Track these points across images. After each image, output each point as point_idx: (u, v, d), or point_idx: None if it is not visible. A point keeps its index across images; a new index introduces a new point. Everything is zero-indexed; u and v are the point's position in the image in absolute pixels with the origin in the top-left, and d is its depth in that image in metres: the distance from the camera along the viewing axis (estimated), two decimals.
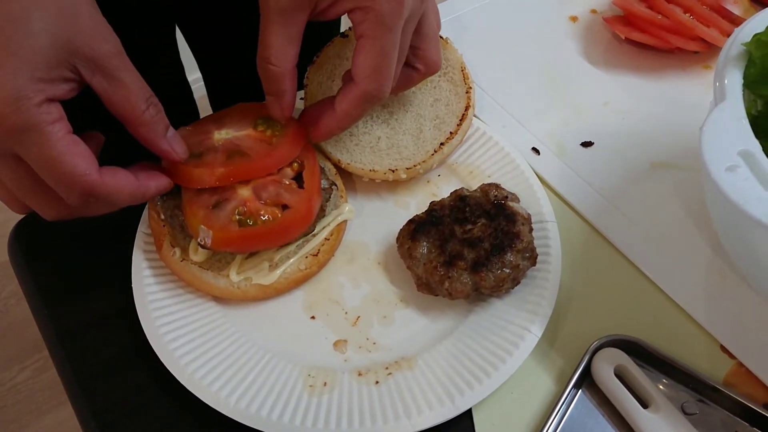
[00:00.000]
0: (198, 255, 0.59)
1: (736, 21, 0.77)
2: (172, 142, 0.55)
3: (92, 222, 0.67)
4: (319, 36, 0.74)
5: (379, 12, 0.52)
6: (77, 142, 0.47)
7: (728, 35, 0.77)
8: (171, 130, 0.55)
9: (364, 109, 0.58)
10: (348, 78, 0.57)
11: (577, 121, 0.75)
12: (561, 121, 0.75)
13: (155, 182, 0.55)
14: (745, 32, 0.55)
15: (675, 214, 0.67)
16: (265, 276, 0.59)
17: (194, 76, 1.02)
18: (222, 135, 0.61)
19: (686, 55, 0.80)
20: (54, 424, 1.65)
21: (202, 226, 0.55)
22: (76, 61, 0.46)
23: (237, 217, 0.56)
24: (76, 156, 0.46)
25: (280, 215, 0.57)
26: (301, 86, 0.72)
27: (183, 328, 0.58)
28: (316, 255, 0.61)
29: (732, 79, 0.53)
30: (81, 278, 0.65)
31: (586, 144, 0.73)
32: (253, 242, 0.57)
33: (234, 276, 0.58)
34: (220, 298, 0.60)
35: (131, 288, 0.61)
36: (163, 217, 0.60)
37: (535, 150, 0.72)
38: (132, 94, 0.49)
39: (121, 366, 0.60)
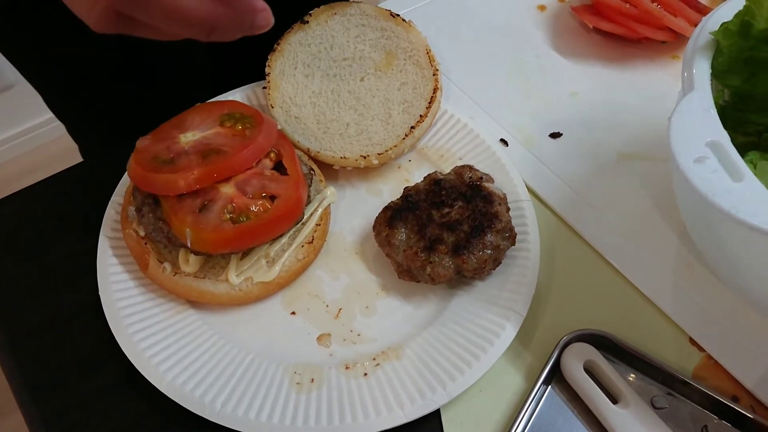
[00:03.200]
0: (190, 266, 0.57)
1: (703, 11, 0.78)
2: None
3: (44, 217, 0.65)
4: (278, 23, 0.72)
5: None
6: None
7: (695, 25, 0.77)
8: None
9: None
10: None
11: (546, 111, 0.75)
12: (529, 112, 0.75)
13: None
14: (713, 21, 0.55)
15: (643, 205, 0.67)
16: (265, 273, 0.57)
17: None
18: (189, 137, 0.59)
19: (654, 45, 0.80)
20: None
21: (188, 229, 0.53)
22: None
23: (227, 215, 0.54)
24: None
25: (270, 206, 0.55)
26: (263, 75, 0.70)
27: (159, 333, 0.56)
28: (311, 242, 0.60)
29: (700, 68, 0.53)
30: (33, 278, 0.62)
31: (555, 135, 0.73)
32: (250, 238, 0.55)
33: (234, 278, 0.56)
34: (200, 303, 0.58)
35: (92, 288, 0.59)
36: (143, 234, 0.58)
37: (504, 141, 0.71)
38: None
39: (78, 371, 0.57)
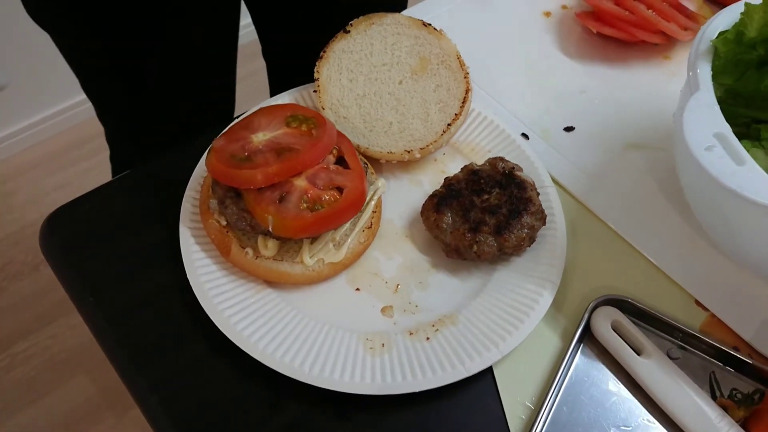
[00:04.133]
0: (269, 250, 0.64)
1: (691, 16, 0.89)
2: None
3: (121, 212, 0.72)
4: (323, 32, 0.80)
5: None
6: None
7: (685, 29, 0.89)
8: None
9: None
10: None
11: (559, 108, 0.85)
12: (543, 108, 0.85)
13: None
14: (711, 29, 0.65)
15: (649, 188, 0.77)
16: (334, 254, 0.65)
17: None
18: (260, 137, 0.66)
19: (649, 47, 0.91)
20: (27, 421, 1.64)
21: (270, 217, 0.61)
22: None
23: (304, 205, 0.62)
24: None
25: (339, 196, 0.64)
26: (312, 79, 0.78)
27: (245, 309, 0.64)
28: (370, 227, 0.68)
29: (703, 70, 0.63)
30: (121, 265, 0.69)
31: (568, 129, 0.83)
32: (325, 223, 0.63)
33: (308, 260, 0.64)
34: (277, 283, 0.66)
35: (178, 268, 0.66)
36: (225, 223, 0.65)
37: (525, 135, 0.81)
38: None
39: (175, 342, 0.64)
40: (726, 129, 0.59)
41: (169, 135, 0.79)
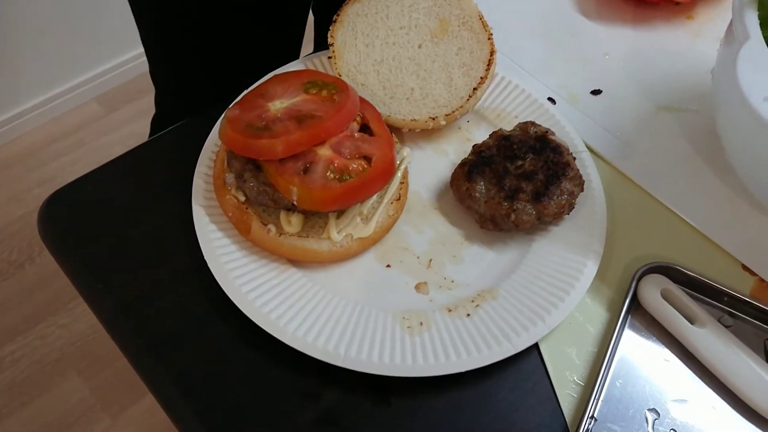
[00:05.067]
0: (293, 226, 0.59)
1: None
2: None
3: (126, 192, 0.67)
4: None
5: None
6: None
7: None
8: None
9: None
10: None
11: (584, 71, 0.81)
12: (569, 72, 0.80)
13: None
14: None
15: (684, 151, 0.73)
16: (363, 229, 0.61)
17: None
18: (278, 105, 0.61)
19: (670, 7, 0.88)
20: (18, 425, 1.58)
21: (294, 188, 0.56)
22: None
23: (331, 175, 0.57)
24: None
25: (367, 166, 0.59)
26: (326, 45, 0.73)
27: (270, 291, 0.59)
28: (399, 199, 0.64)
29: (751, 19, 0.59)
30: (132, 246, 0.64)
31: (596, 92, 0.78)
32: (355, 194, 0.58)
33: (335, 235, 0.59)
34: (302, 262, 0.61)
35: (194, 250, 0.61)
36: (244, 199, 0.60)
37: (551, 100, 0.77)
38: None
39: (195, 329, 0.59)
40: None
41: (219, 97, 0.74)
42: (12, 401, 1.61)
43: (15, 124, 2.07)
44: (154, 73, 1.04)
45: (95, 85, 2.20)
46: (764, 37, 0.68)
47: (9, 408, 1.60)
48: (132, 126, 2.16)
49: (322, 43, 0.76)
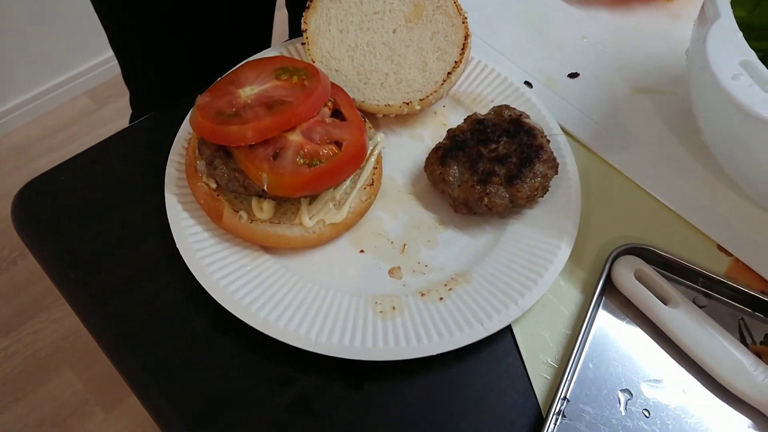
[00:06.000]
0: (265, 212, 0.59)
1: None
2: None
3: (99, 183, 0.67)
4: None
5: None
6: None
7: None
8: None
9: None
10: None
11: (561, 55, 0.80)
12: (546, 56, 0.80)
13: None
14: None
15: (661, 133, 0.73)
16: (335, 214, 0.60)
17: None
18: (248, 92, 0.61)
19: None
20: (13, 419, 1.58)
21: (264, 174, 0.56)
22: None
23: (301, 160, 0.57)
24: None
25: (337, 151, 0.59)
26: (299, 32, 0.72)
27: (242, 278, 0.59)
28: (372, 184, 0.63)
29: None
30: (105, 235, 0.64)
31: (573, 75, 0.78)
32: (325, 180, 0.58)
33: (307, 221, 0.59)
34: (275, 249, 0.61)
35: (167, 238, 0.61)
36: (215, 186, 0.60)
37: (528, 83, 0.76)
38: None
39: (168, 318, 0.59)
40: (752, 56, 0.55)
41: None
42: (6, 396, 1.61)
43: (5, 120, 2.07)
44: (127, 76, 1.03)
45: (86, 79, 2.19)
46: (737, 17, 0.68)
47: (3, 403, 1.60)
48: (124, 120, 2.14)
49: (296, 36, 0.76)
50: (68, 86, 2.15)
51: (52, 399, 1.62)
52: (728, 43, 0.56)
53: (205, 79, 0.69)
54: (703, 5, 0.63)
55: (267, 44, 1.05)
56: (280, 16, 1.16)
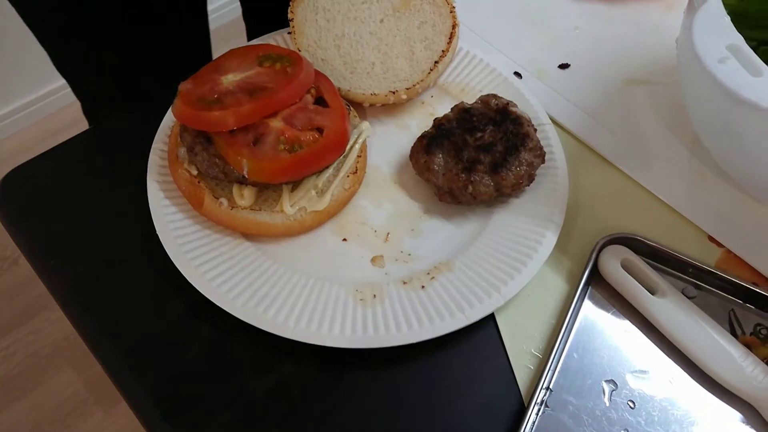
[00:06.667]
0: (246, 199, 0.59)
1: None
2: None
3: (79, 171, 0.66)
4: None
5: None
6: None
7: None
8: None
9: None
10: None
11: (552, 45, 0.79)
12: (537, 47, 0.79)
13: None
14: None
15: (651, 123, 0.72)
16: (317, 202, 0.60)
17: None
18: (231, 78, 0.60)
19: None
20: (12, 418, 1.58)
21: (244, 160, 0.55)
22: None
23: (282, 146, 0.57)
24: None
25: (319, 137, 0.58)
26: (286, 23, 0.72)
27: (222, 265, 0.58)
28: (355, 172, 0.63)
29: None
30: (87, 223, 0.64)
31: (563, 66, 0.77)
32: (306, 165, 0.58)
33: (288, 208, 0.59)
34: (256, 236, 0.61)
35: (148, 226, 0.60)
36: (196, 172, 0.59)
37: (517, 74, 0.75)
38: None
39: (148, 306, 0.59)
40: (739, 40, 0.54)
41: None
42: (6, 395, 1.62)
43: (6, 122, 2.08)
44: (74, 89, 1.01)
45: None
46: (728, 5, 0.66)
47: (3, 402, 1.60)
48: None
49: (254, 36, 0.76)
50: (67, 90, 2.16)
51: (52, 398, 1.62)
52: (715, 27, 0.55)
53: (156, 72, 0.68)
54: None
55: (206, 32, 1.03)
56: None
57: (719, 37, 0.55)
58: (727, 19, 0.56)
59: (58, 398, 1.62)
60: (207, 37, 1.02)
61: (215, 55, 1.02)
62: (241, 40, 1.02)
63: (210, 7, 0.99)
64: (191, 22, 0.96)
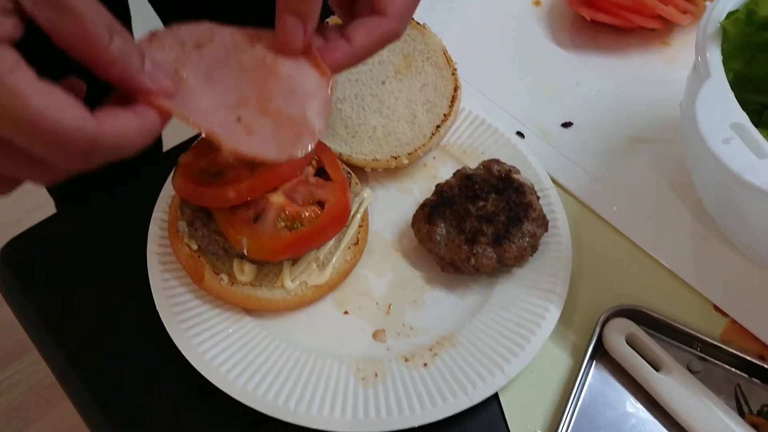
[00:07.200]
0: (246, 275, 0.58)
1: None
2: (155, 76, 0.42)
3: (90, 233, 0.66)
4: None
5: None
6: (52, 90, 0.36)
7: (684, 12, 0.83)
8: (147, 61, 0.42)
9: (382, 46, 0.51)
10: (371, 11, 0.50)
11: (554, 102, 0.79)
12: (538, 103, 0.79)
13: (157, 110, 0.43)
14: (718, 10, 0.59)
15: (656, 185, 0.71)
16: (318, 276, 0.59)
17: None
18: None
19: (646, 33, 0.85)
20: None
21: (244, 239, 0.55)
22: None
23: (282, 223, 0.56)
24: (61, 107, 0.36)
25: (320, 212, 0.58)
26: None
27: (222, 342, 0.58)
28: (357, 243, 0.62)
29: (713, 55, 0.57)
30: (86, 295, 0.63)
31: (566, 125, 0.77)
32: (306, 243, 0.57)
33: (289, 284, 0.58)
34: (256, 311, 0.60)
35: (148, 299, 0.60)
36: (196, 247, 0.59)
37: (520, 134, 0.75)
38: (88, 24, 0.37)
39: (145, 382, 0.58)
40: (743, 118, 0.53)
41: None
42: (8, 426, 1.61)
43: None
44: None
45: None
46: (732, 70, 0.66)
47: None
48: None
49: None
50: None
51: (53, 429, 1.61)
52: (719, 104, 0.55)
53: None
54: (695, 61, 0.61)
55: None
56: None
57: (723, 115, 0.54)
58: (731, 95, 0.55)
59: (59, 430, 1.61)
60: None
61: None
62: None
63: None
64: None
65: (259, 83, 0.47)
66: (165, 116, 0.43)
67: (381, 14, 0.50)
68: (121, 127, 0.40)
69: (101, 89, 0.41)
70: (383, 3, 0.49)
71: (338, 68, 0.51)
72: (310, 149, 0.46)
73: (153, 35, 0.48)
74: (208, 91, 0.46)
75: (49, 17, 0.37)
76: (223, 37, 0.49)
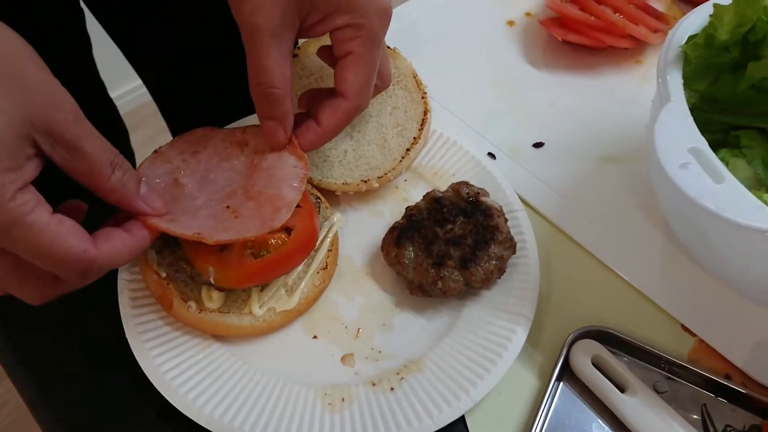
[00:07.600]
0: (214, 302, 0.59)
1: (660, 17, 0.84)
2: (147, 200, 0.53)
3: None
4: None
5: (371, 28, 0.54)
6: (63, 222, 0.45)
7: (655, 31, 0.84)
8: (143, 185, 0.53)
9: (349, 122, 0.60)
10: (332, 93, 0.58)
11: (526, 123, 0.79)
12: (511, 124, 0.79)
13: (147, 230, 0.53)
14: (679, 34, 0.60)
15: (626, 205, 0.72)
16: (286, 302, 0.60)
17: (118, 91, 0.98)
18: None
19: (618, 52, 0.86)
20: None
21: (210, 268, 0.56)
22: (35, 136, 0.43)
23: (248, 251, 0.57)
24: (67, 238, 0.44)
25: (287, 238, 0.58)
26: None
27: (190, 369, 0.58)
28: (326, 268, 0.63)
29: (673, 79, 0.58)
30: (56, 326, 0.64)
31: (538, 145, 0.77)
32: (272, 270, 0.58)
33: (257, 310, 0.59)
34: (224, 337, 0.61)
35: (118, 327, 0.60)
36: (165, 275, 0.59)
37: (491, 155, 0.76)
38: (95, 163, 0.47)
39: (115, 412, 0.59)
40: (701, 143, 0.54)
41: None
42: None
43: None
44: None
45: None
46: (697, 91, 0.67)
47: None
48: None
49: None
50: None
51: None
52: (677, 128, 0.55)
53: None
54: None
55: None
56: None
57: (681, 139, 0.54)
58: (690, 119, 0.56)
59: None
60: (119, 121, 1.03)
61: (133, 137, 1.03)
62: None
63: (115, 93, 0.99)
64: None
65: (246, 177, 0.57)
66: (154, 232, 0.53)
67: (341, 95, 0.58)
68: (115, 249, 0.49)
69: None
70: (340, 85, 0.57)
71: (312, 148, 0.60)
72: (286, 218, 0.54)
73: (157, 152, 0.60)
74: (204, 189, 0.57)
75: (64, 158, 0.45)
76: (215, 144, 0.60)
